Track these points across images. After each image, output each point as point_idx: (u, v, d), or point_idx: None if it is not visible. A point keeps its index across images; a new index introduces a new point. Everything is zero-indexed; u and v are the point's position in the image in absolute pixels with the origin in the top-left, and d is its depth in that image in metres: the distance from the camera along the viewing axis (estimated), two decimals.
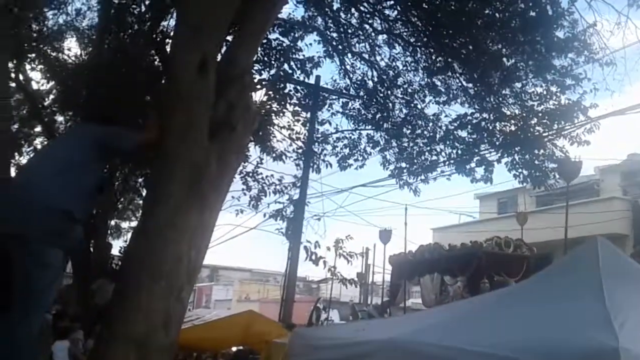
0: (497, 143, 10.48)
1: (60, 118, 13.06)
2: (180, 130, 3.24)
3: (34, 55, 12.15)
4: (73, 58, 12.66)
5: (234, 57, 3.96)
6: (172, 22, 9.82)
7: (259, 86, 9.56)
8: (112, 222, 16.16)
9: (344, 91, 12.08)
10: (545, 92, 9.81)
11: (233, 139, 3.47)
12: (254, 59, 8.55)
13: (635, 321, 2.66)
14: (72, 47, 13.36)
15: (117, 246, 14.76)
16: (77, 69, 11.83)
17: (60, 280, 3.17)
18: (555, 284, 3.28)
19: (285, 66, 10.05)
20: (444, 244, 16.52)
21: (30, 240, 2.83)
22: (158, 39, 9.65)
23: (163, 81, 5.59)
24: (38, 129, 13.72)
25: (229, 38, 4.93)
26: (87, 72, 10.77)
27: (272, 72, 9.90)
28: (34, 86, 13.44)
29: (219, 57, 4.01)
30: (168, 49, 9.17)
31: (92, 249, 11.75)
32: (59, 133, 12.34)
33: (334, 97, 12.37)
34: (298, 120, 11.28)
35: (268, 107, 10.04)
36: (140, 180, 12.01)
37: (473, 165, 10.99)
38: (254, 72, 9.46)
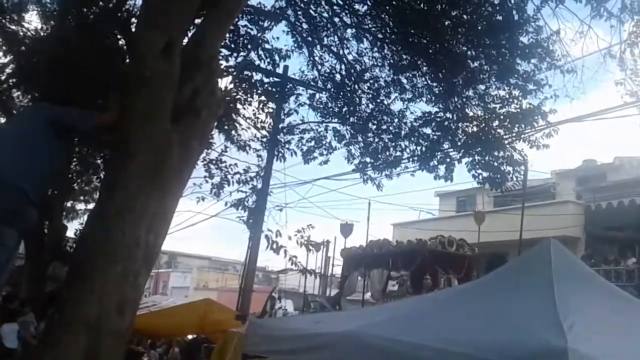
0: (459, 143, 10.67)
1: (17, 93, 12.62)
2: (143, 113, 3.17)
3: None
4: (33, 32, 12.23)
5: (201, 41, 3.89)
6: (139, 2, 9.62)
7: (225, 73, 9.46)
8: (68, 204, 15.76)
9: (312, 83, 12.06)
10: (507, 96, 10.03)
11: (197, 125, 3.43)
12: (221, 44, 8.47)
13: (584, 322, 2.75)
14: (32, 21, 12.87)
15: (72, 228, 14.41)
16: (37, 43, 11.44)
17: (13, 261, 3.08)
18: (508, 283, 3.36)
19: (253, 54, 9.97)
20: (404, 240, 16.89)
21: None
22: (123, 18, 9.41)
23: (126, 62, 5.47)
24: None
25: (197, 21, 4.86)
26: (48, 48, 10.43)
27: (239, 59, 9.80)
28: None
29: (185, 41, 3.95)
30: (133, 29, 8.99)
31: (46, 231, 11.43)
32: (16, 109, 11.94)
33: (301, 88, 12.33)
34: (263, 110, 11.19)
35: (234, 94, 9.92)
36: (98, 161, 11.74)
37: (436, 162, 11.18)
38: (220, 58, 9.35)
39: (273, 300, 19.62)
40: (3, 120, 12.83)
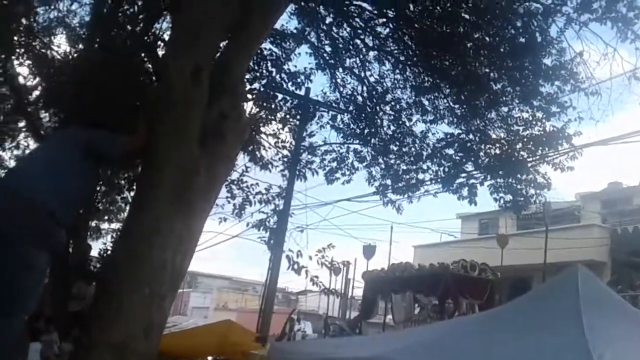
0: (482, 164, 10.59)
1: (45, 115, 12.91)
2: (171, 137, 3.23)
3: (22, 50, 12.01)
4: (62, 55, 12.54)
5: (228, 65, 3.95)
6: (165, 25, 9.83)
7: (249, 95, 9.58)
8: (93, 223, 15.93)
9: (334, 104, 12.13)
10: (530, 118, 9.95)
11: (223, 149, 3.47)
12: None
13: (614, 351, 2.68)
14: (61, 44, 13.18)
15: (96, 247, 14.55)
16: (65, 66, 11.72)
17: (44, 282, 3.13)
18: (534, 312, 3.29)
19: (276, 77, 10.08)
20: (425, 262, 16.75)
21: (15, 241, 2.79)
22: (149, 42, 9.61)
23: (155, 86, 5.55)
24: (22, 124, 13.53)
25: (223, 44, 4.94)
26: (75, 70, 10.67)
27: (263, 82, 9.91)
28: (20, 81, 13.27)
29: (212, 65, 4.02)
30: (159, 52, 9.17)
31: (70, 250, 11.55)
32: (44, 129, 12.19)
33: (323, 109, 12.41)
34: (285, 129, 11.28)
35: (257, 116, 10.02)
36: (122, 181, 11.89)
37: (458, 184, 11.11)
38: (245, 80, 9.48)
39: (292, 322, 19.62)
40: (31, 140, 13.10)
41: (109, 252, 10.92)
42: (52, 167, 3.10)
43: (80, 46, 12.16)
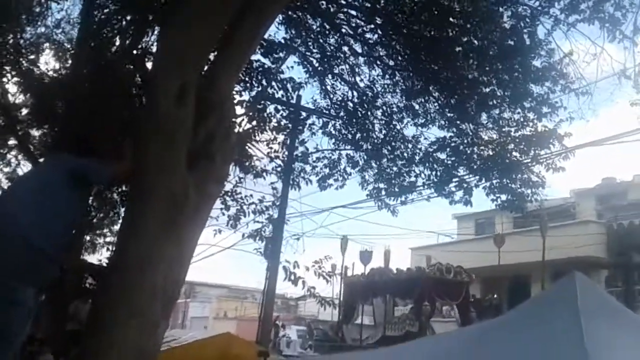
0: (475, 167, 10.61)
1: (35, 132, 12.82)
2: (157, 161, 3.18)
3: (9, 67, 11.94)
4: (51, 71, 12.48)
5: (214, 83, 3.90)
6: (154, 38, 9.78)
7: (239, 107, 9.54)
8: (87, 237, 15.83)
9: (325, 111, 12.12)
10: (522, 119, 9.98)
11: (212, 169, 3.43)
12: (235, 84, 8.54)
13: None
14: (49, 61, 13.14)
15: (92, 260, 14.44)
16: (54, 82, 11.65)
17: (32, 319, 3.06)
18: (532, 324, 3.25)
19: (267, 86, 10.06)
20: (422, 264, 16.95)
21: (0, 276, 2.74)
22: (138, 56, 9.56)
23: (140, 107, 5.49)
24: (12, 141, 13.44)
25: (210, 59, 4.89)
26: (65, 86, 10.60)
27: (253, 93, 9.89)
28: (9, 99, 13.18)
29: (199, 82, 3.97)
30: (148, 66, 9.12)
31: (65, 267, 11.46)
32: (34, 147, 12.10)
33: (314, 116, 12.40)
34: (277, 139, 11.24)
35: (249, 128, 9.98)
36: (115, 196, 11.82)
37: (452, 187, 11.13)
38: (235, 92, 9.44)
39: (277, 328, 20.10)
40: (21, 158, 13.00)
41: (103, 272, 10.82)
42: (39, 198, 3.05)
43: (69, 62, 12.10)
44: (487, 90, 9.55)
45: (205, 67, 4.73)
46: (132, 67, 9.77)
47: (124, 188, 10.40)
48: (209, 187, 3.37)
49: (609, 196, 23.18)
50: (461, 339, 3.78)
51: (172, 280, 3.02)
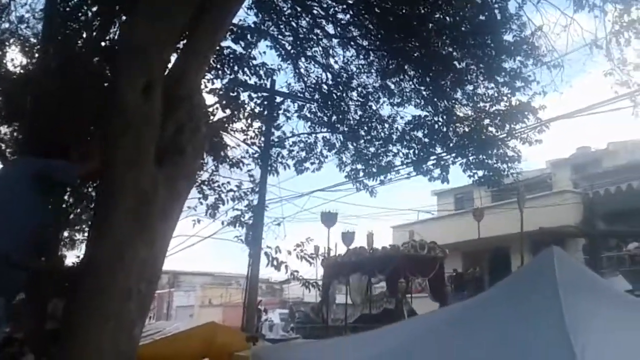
0: (451, 144, 10.65)
1: (4, 129, 12.52)
2: (126, 157, 3.09)
3: None
4: (18, 68, 12.15)
5: (181, 74, 3.80)
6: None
7: (211, 95, 9.41)
8: (65, 234, 15.60)
9: (299, 95, 12.03)
10: (496, 94, 10.02)
11: (182, 164, 3.34)
12: (203, 75, 8.39)
13: (596, 341, 2.67)
14: (16, 57, 12.76)
15: (72, 256, 14.27)
16: (21, 78, 11.34)
17: (4, 327, 2.99)
18: (513, 298, 3.28)
19: (240, 73, 9.92)
20: (405, 241, 17.14)
21: None
22: (106, 47, 9.33)
23: (107, 103, 5.33)
24: None
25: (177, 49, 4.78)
26: (32, 82, 10.32)
27: (225, 80, 9.75)
28: None
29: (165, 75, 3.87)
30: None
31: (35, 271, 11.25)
32: (5, 143, 11.83)
33: (289, 100, 12.30)
34: (252, 126, 11.13)
35: (223, 117, 9.84)
36: (91, 190, 11.62)
37: (430, 164, 11.17)
38: (206, 81, 9.30)
39: (259, 313, 20.35)
40: None
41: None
42: (3, 207, 2.96)
43: (36, 56, 11.78)
44: (461, 66, 9.56)
45: (172, 59, 4.64)
46: (100, 59, 9.55)
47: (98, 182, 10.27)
48: (179, 181, 3.29)
49: (584, 165, 23.50)
50: (443, 319, 3.81)
51: (146, 279, 2.96)
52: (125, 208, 2.99)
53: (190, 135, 3.46)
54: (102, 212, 3.13)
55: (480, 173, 10.79)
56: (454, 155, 10.90)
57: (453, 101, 10.37)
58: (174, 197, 3.25)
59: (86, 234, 15.67)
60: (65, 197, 11.97)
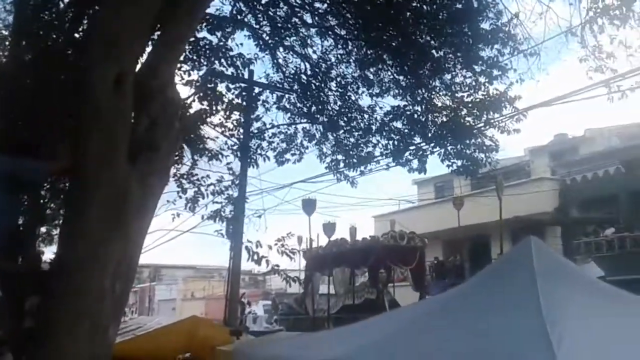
0: (430, 134, 10.66)
1: None
2: (97, 154, 3.02)
3: None
4: None
5: (154, 68, 3.72)
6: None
7: (188, 87, 9.28)
8: (43, 229, 15.35)
9: (278, 85, 11.93)
10: (474, 83, 10.02)
11: (156, 159, 3.28)
12: (182, 58, 8.27)
13: (572, 328, 2.70)
14: None
15: (49, 252, 14.02)
16: None
17: None
18: (490, 293, 3.30)
19: (216, 64, 9.79)
20: (387, 231, 17.23)
21: None
22: (80, 39, 9.13)
23: (77, 98, 5.21)
24: None
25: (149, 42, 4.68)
26: (4, 76, 10.08)
27: (202, 72, 9.61)
28: None
29: (137, 68, 3.78)
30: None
31: (20, 262, 11.06)
32: None
33: (268, 91, 12.19)
34: (230, 118, 10.99)
35: (200, 109, 9.70)
36: (67, 184, 11.42)
37: (409, 155, 11.18)
38: (182, 72, 9.17)
39: (242, 305, 20.36)
40: None
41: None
42: None
43: (7, 50, 11.50)
44: (439, 54, 9.55)
45: (145, 53, 4.54)
46: (73, 52, 9.35)
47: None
48: (153, 177, 3.23)
49: (562, 152, 23.81)
50: (426, 310, 3.82)
51: (121, 280, 2.90)
52: (98, 206, 2.93)
53: (164, 129, 3.40)
54: (75, 210, 3.05)
55: (459, 162, 10.82)
56: (432, 145, 10.91)
57: (431, 91, 10.36)
58: (148, 194, 3.19)
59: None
60: (42, 193, 11.77)
